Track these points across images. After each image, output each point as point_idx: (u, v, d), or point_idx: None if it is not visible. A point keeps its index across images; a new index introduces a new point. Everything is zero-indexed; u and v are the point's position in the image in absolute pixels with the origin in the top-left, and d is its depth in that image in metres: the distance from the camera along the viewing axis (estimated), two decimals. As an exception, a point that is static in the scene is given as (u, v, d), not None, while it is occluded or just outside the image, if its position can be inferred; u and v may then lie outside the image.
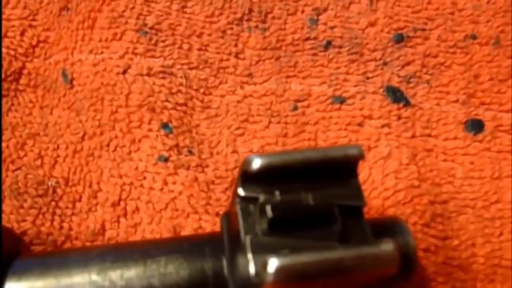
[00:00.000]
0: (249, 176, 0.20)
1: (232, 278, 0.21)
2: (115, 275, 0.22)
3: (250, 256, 0.19)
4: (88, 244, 0.28)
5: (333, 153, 0.20)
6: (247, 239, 0.19)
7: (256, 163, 0.20)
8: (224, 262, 0.22)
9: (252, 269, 0.19)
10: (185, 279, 0.22)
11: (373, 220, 0.26)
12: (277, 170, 0.20)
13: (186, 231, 0.28)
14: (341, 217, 0.20)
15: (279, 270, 0.18)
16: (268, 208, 0.19)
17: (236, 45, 0.33)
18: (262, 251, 0.19)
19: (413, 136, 0.30)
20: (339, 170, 0.20)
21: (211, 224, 0.28)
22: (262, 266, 0.18)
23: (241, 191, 0.20)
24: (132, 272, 0.22)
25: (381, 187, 0.28)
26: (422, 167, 0.29)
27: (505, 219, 0.28)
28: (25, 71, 0.33)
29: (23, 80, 0.32)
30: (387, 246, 0.19)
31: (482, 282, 0.27)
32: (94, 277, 0.22)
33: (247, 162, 0.20)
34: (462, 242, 0.27)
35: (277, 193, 0.20)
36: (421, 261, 0.26)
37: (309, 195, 0.20)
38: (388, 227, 0.24)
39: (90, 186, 0.29)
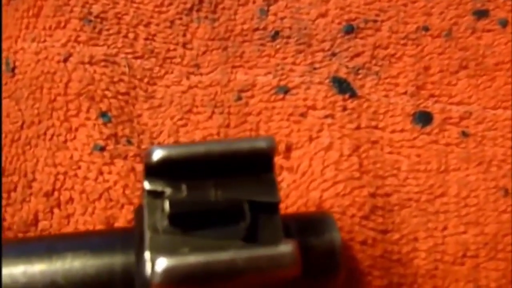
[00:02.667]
0: (154, 169, 0.19)
1: (137, 276, 0.20)
2: (17, 271, 0.20)
3: (147, 254, 0.18)
4: (20, 235, 0.27)
5: (238, 146, 0.19)
6: (147, 236, 0.18)
7: (156, 155, 0.19)
8: (134, 258, 0.20)
9: (147, 268, 0.18)
10: (91, 276, 0.20)
11: (300, 215, 0.25)
12: (183, 163, 0.19)
13: (120, 222, 0.27)
14: (254, 214, 0.19)
15: (165, 271, 0.17)
16: (167, 204, 0.18)
17: (184, 35, 0.33)
18: (160, 249, 0.18)
19: (357, 128, 0.29)
20: (253, 164, 0.19)
21: (146, 216, 0.27)
22: (153, 265, 0.17)
23: (146, 185, 0.19)
24: (35, 268, 0.20)
25: (320, 178, 0.27)
26: (365, 159, 0.28)
27: (450, 213, 0.27)
28: (-33, 60, 0.32)
29: (-36, 68, 0.32)
30: (285, 247, 0.18)
31: (423, 278, 0.26)
32: None
33: (147, 154, 0.19)
34: (403, 236, 0.27)
35: (183, 187, 0.19)
36: (357, 254, 0.25)
37: (219, 190, 0.19)
38: (314, 222, 0.23)
39: (25, 175, 0.29)
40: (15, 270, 0.20)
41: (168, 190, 0.19)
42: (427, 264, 0.26)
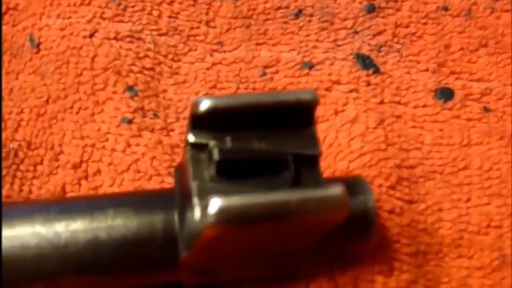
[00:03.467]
0: (199, 121, 0.19)
1: (181, 230, 0.20)
2: (60, 226, 0.21)
3: (196, 201, 0.18)
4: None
5: (284, 97, 0.19)
6: (193, 185, 0.19)
7: (203, 105, 0.18)
8: (175, 215, 0.21)
9: (197, 213, 0.18)
10: (133, 232, 0.20)
11: (335, 178, 0.25)
12: (228, 115, 0.19)
13: (148, 194, 0.27)
14: (295, 165, 0.19)
15: (220, 211, 0.17)
16: (215, 151, 0.19)
17: (207, 14, 0.33)
18: (208, 195, 0.18)
19: (381, 102, 0.30)
20: (295, 117, 0.20)
21: (174, 187, 0.27)
22: (204, 208, 0.17)
23: (191, 137, 0.19)
24: (77, 224, 0.21)
25: (347, 149, 0.27)
26: (389, 132, 0.28)
27: (473, 185, 0.28)
28: (-9, 37, 0.32)
29: (-11, 46, 0.32)
30: (335, 190, 0.18)
31: (448, 247, 0.26)
32: (38, 228, 0.21)
33: (195, 104, 0.19)
34: (429, 207, 0.27)
35: (228, 139, 0.19)
36: (385, 222, 0.26)
37: (262, 142, 0.19)
38: (349, 185, 0.23)
39: (52, 148, 0.29)
40: (58, 225, 0.20)
41: (212, 142, 0.19)
42: (452, 234, 0.26)
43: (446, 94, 0.30)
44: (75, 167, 0.28)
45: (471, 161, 0.28)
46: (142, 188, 0.27)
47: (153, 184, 0.27)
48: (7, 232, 0.21)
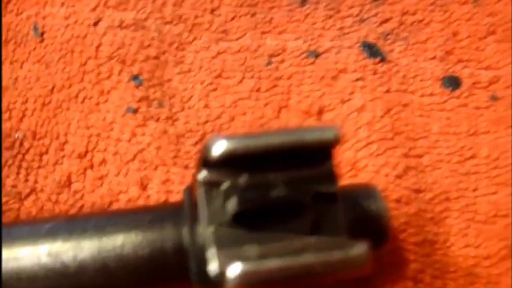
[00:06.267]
0: (212, 162, 0.18)
1: (195, 266, 0.19)
2: (67, 256, 0.20)
3: (213, 251, 0.18)
4: (53, 196, 0.28)
5: (306, 137, 0.18)
6: (209, 231, 0.18)
7: (217, 149, 0.17)
8: (186, 237, 0.20)
9: (214, 267, 0.17)
10: (144, 259, 0.20)
11: (345, 187, 0.24)
12: (245, 157, 0.17)
13: (154, 183, 0.27)
14: (314, 203, 0.18)
15: (242, 276, 0.16)
16: (233, 202, 0.18)
17: (212, 2, 0.33)
18: (226, 245, 0.17)
19: (388, 91, 0.29)
20: (314, 153, 0.18)
21: (179, 177, 0.27)
22: (224, 267, 0.17)
23: (203, 175, 0.18)
24: (86, 253, 0.20)
25: (354, 139, 0.27)
26: (396, 120, 0.28)
27: (480, 174, 0.28)
28: (-5, 26, 0.32)
29: (-8, 34, 0.32)
30: (360, 249, 0.17)
31: (455, 236, 0.26)
32: (45, 259, 0.20)
33: (207, 147, 0.17)
34: (436, 196, 0.27)
35: (243, 177, 0.18)
36: (392, 211, 0.25)
37: (279, 180, 0.18)
38: (361, 193, 0.22)
39: (57, 138, 0.29)
40: (65, 256, 0.20)
41: (226, 182, 0.18)
42: (459, 223, 0.26)
43: (453, 82, 0.30)
44: (81, 156, 0.28)
45: (479, 150, 0.28)
46: (147, 178, 0.27)
47: (159, 174, 0.27)
48: (13, 264, 0.20)
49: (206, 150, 0.17)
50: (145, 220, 0.20)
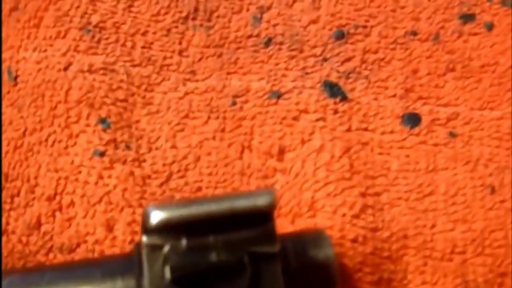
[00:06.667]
0: (152, 229, 0.19)
1: None
2: None
3: None
4: (24, 238, 0.28)
5: (239, 204, 0.19)
6: None
7: (154, 218, 0.19)
8: None
9: None
10: None
11: (295, 234, 0.25)
12: (182, 224, 0.19)
13: (120, 225, 0.28)
14: (254, 264, 0.19)
15: None
16: (170, 268, 0.19)
17: (180, 43, 0.34)
18: None
19: (348, 130, 0.30)
20: (253, 217, 0.19)
21: (145, 218, 0.28)
22: None
23: (145, 239, 0.19)
24: None
25: (312, 179, 0.28)
26: (355, 160, 0.29)
27: (438, 211, 0.28)
28: (-29, 70, 0.33)
29: (-32, 79, 0.33)
30: None
31: (412, 273, 0.27)
32: None
33: (146, 215, 0.19)
34: (393, 234, 0.27)
35: (183, 242, 0.19)
36: (348, 251, 0.26)
37: (218, 243, 0.19)
38: (309, 241, 0.23)
39: (28, 181, 0.30)
40: None
41: (166, 246, 0.19)
42: (416, 261, 0.27)
43: (413, 119, 0.31)
44: (50, 199, 0.29)
45: (437, 187, 0.29)
46: (114, 220, 0.28)
47: (124, 216, 0.28)
48: None
49: (144, 218, 0.19)
50: (98, 274, 0.21)
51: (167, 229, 0.19)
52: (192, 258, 0.19)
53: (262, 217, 0.19)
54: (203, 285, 0.19)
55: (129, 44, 0.33)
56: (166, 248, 0.19)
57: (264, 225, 0.19)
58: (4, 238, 0.29)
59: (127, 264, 0.21)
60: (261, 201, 0.19)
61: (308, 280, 0.20)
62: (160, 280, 0.19)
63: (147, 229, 0.19)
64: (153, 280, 0.19)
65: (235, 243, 0.19)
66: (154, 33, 0.34)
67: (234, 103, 0.31)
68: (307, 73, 0.32)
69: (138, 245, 0.21)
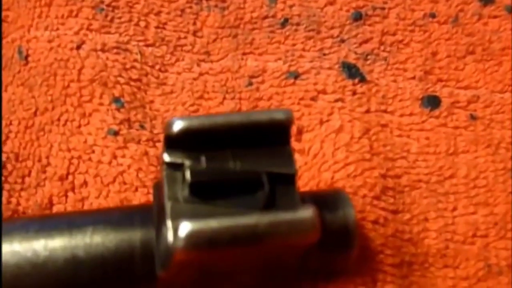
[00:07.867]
0: (173, 141, 0.19)
1: (158, 248, 0.20)
2: (38, 244, 0.21)
3: (169, 223, 0.18)
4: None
5: (257, 116, 0.19)
6: (167, 206, 0.19)
7: (176, 126, 0.19)
8: (153, 233, 0.21)
9: (169, 236, 0.18)
10: (111, 251, 0.21)
11: (315, 192, 0.25)
12: (202, 136, 0.19)
13: (134, 205, 0.28)
14: (271, 184, 0.19)
15: (189, 235, 0.17)
16: (188, 173, 0.19)
17: (194, 24, 0.33)
18: (181, 217, 0.18)
19: (367, 111, 0.29)
20: (270, 136, 0.20)
21: (159, 198, 0.28)
22: (175, 231, 0.17)
23: (166, 157, 0.20)
24: (56, 242, 0.21)
25: (331, 160, 0.27)
26: (375, 141, 0.28)
27: (459, 194, 0.28)
28: (-20, 49, 0.32)
29: (-23, 58, 0.32)
30: (306, 212, 0.18)
31: (433, 257, 0.26)
32: (16, 246, 0.21)
33: (168, 125, 0.19)
34: (414, 216, 0.27)
35: (203, 158, 0.19)
36: (369, 233, 0.25)
37: (237, 161, 0.19)
38: (329, 199, 0.23)
39: (40, 160, 0.29)
40: (36, 244, 0.21)
41: (187, 162, 0.19)
42: (437, 244, 0.26)
43: (432, 102, 0.30)
44: (62, 179, 0.28)
45: (458, 170, 0.28)
46: (127, 200, 0.27)
47: (139, 196, 0.28)
48: None
49: (167, 128, 0.19)
50: (115, 215, 0.22)
51: (188, 142, 0.19)
52: (212, 167, 0.19)
53: (279, 136, 0.20)
54: (220, 199, 0.19)
55: (142, 23, 0.33)
56: (187, 164, 0.19)
57: (282, 146, 0.20)
58: (14, 219, 0.28)
59: (145, 208, 0.21)
60: (278, 115, 0.19)
61: (327, 239, 0.20)
62: (179, 193, 0.19)
63: (168, 141, 0.19)
64: (172, 195, 0.19)
65: (254, 160, 0.19)
66: (168, 13, 0.33)
67: (250, 84, 0.31)
68: (324, 54, 0.31)
69: (157, 181, 0.22)
